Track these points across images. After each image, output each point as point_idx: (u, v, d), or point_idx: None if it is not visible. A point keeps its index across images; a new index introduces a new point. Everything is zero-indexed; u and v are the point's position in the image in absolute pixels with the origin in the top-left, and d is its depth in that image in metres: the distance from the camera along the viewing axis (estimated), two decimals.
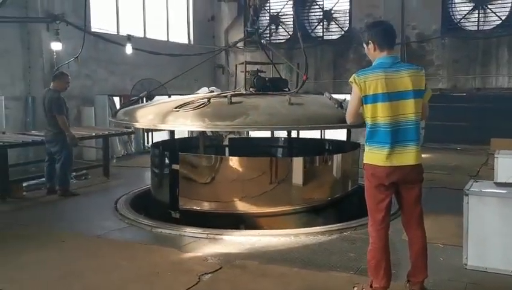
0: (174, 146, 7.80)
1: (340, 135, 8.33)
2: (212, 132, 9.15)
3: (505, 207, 4.41)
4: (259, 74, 7.12)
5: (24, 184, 8.05)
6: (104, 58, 12.47)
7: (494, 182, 4.97)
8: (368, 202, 3.90)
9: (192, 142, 8.64)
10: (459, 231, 4.75)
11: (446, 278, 4.38)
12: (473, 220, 4.52)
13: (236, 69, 7.62)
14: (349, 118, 3.99)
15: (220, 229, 5.79)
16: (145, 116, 6.43)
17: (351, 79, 3.81)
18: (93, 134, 9.49)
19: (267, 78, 7.25)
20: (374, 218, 3.86)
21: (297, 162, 6.71)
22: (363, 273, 4.50)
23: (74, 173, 8.93)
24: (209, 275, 4.47)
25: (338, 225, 5.99)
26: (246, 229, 6.14)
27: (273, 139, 9.51)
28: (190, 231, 5.77)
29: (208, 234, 5.66)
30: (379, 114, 3.70)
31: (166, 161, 7.11)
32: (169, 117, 6.05)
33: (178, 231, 5.81)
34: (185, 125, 6.16)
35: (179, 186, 6.43)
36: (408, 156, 3.72)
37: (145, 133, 13.28)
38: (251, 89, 7.05)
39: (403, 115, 3.69)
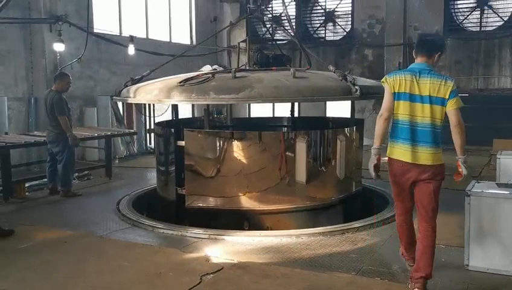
0: (178, 125, 7.65)
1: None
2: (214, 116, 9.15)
3: (507, 208, 4.41)
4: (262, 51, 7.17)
5: (26, 184, 8.08)
6: (106, 58, 12.49)
7: (496, 183, 4.96)
8: (392, 190, 4.32)
9: (196, 124, 8.56)
10: (461, 232, 4.76)
11: (447, 279, 4.39)
12: (474, 221, 4.53)
13: (238, 47, 7.61)
14: (381, 112, 4.12)
15: (222, 229, 5.80)
16: (150, 92, 6.43)
17: (383, 79, 4.19)
18: (96, 134, 9.52)
19: (270, 55, 7.28)
20: (395, 204, 4.40)
21: (302, 136, 6.69)
22: (364, 274, 4.52)
23: (76, 174, 8.95)
24: (211, 275, 4.48)
25: (340, 225, 6.01)
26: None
27: (276, 119, 9.48)
28: (192, 231, 5.78)
29: (209, 234, 5.67)
30: (400, 111, 4.05)
31: (171, 139, 6.96)
32: (174, 92, 6.08)
33: (180, 232, 5.82)
34: (189, 99, 6.11)
35: (184, 162, 6.43)
36: (422, 155, 3.99)
37: (148, 134, 13.31)
38: (254, 66, 7.07)
39: (420, 116, 4.00)
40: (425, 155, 3.98)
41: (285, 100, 6.25)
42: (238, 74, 6.20)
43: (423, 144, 3.98)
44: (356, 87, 5.83)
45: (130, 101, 6.89)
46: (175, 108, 8.03)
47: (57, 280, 4.48)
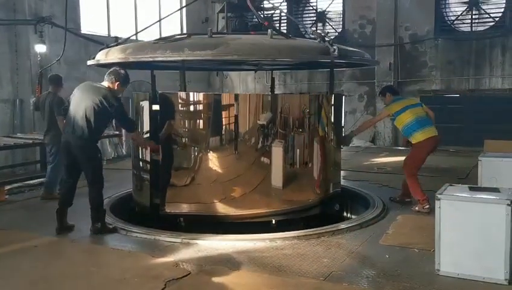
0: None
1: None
2: None
3: (477, 212, 4.32)
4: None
5: (6, 187, 8.00)
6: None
7: (468, 186, 4.87)
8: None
9: None
10: None
11: (417, 284, 4.30)
12: (445, 225, 4.44)
13: (218, 17, 7.54)
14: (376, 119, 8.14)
15: (195, 233, 5.72)
16: (122, 51, 6.32)
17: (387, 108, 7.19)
18: None
19: (249, 24, 7.27)
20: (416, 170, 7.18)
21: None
22: (333, 279, 4.44)
23: None
24: (176, 281, 4.39)
25: (316, 229, 5.90)
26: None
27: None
28: (165, 235, 5.69)
29: (182, 238, 5.58)
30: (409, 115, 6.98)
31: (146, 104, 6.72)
32: (148, 49, 6.02)
33: (153, 236, 5.73)
34: (163, 55, 5.93)
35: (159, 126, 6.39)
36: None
37: None
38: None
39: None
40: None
41: (262, 56, 6.14)
42: (215, 36, 6.15)
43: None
44: (334, 47, 5.95)
45: (102, 62, 6.69)
46: (153, 78, 7.84)
47: (20, 286, 4.41)
